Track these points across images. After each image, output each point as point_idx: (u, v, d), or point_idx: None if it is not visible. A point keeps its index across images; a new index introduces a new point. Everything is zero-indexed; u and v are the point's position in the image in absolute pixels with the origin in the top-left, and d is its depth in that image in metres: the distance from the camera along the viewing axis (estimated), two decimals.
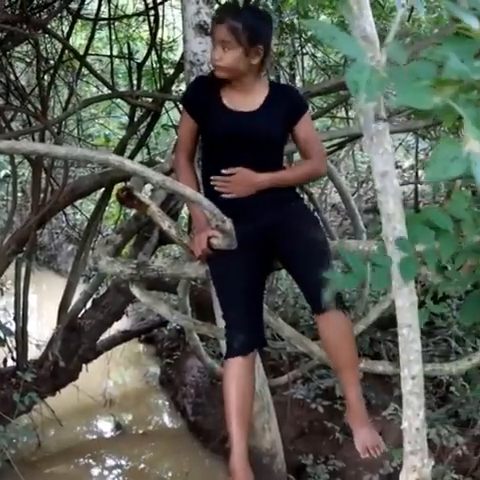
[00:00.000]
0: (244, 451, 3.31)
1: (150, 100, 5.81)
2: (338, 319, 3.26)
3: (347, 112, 7.26)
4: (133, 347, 8.68)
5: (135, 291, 3.71)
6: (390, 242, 2.10)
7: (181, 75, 6.18)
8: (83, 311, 6.30)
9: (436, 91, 1.17)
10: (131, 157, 5.93)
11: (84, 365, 6.38)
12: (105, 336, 6.90)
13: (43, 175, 6.05)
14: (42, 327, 7.55)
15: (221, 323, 4.58)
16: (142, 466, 6.28)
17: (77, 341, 6.11)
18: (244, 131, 3.37)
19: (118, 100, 7.21)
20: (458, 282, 2.67)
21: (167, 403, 7.38)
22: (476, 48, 1.38)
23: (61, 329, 5.96)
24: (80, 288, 6.49)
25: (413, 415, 2.18)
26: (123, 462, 6.33)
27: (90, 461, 6.34)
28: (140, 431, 6.82)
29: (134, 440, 6.67)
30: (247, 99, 3.41)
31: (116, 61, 6.74)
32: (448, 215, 2.02)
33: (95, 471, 6.23)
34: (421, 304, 2.14)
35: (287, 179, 3.50)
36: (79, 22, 6.81)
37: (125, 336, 7.41)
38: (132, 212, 6.60)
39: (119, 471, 6.22)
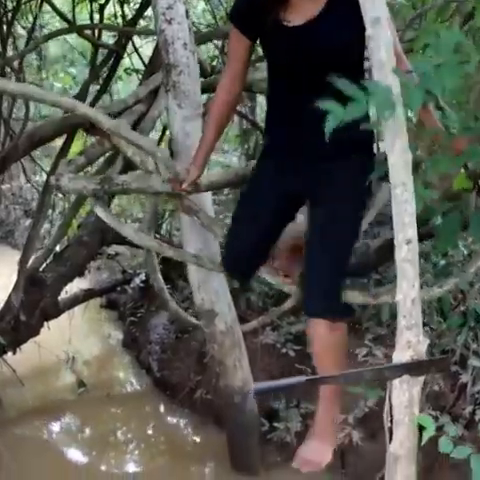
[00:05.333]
0: None
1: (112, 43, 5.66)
2: (322, 330, 2.86)
3: None
4: (95, 314, 8.52)
5: (99, 211, 3.51)
6: None
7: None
8: (44, 265, 6.14)
9: None
10: (94, 101, 5.77)
11: (46, 323, 6.24)
12: (67, 296, 6.78)
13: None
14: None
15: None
16: (107, 426, 6.16)
17: (39, 294, 5.95)
18: (303, 49, 2.76)
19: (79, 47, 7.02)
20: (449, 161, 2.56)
21: (131, 363, 7.23)
22: None
23: (21, 282, 5.77)
24: None
25: (408, 285, 2.04)
26: (87, 424, 6.17)
27: (53, 421, 6.18)
28: (104, 392, 6.63)
29: (98, 401, 6.49)
30: (305, 6, 2.76)
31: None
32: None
33: (59, 431, 6.12)
34: None
35: None
36: None
37: (87, 294, 7.23)
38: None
39: (83, 433, 6.11)
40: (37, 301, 5.93)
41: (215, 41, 6.28)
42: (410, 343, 2.08)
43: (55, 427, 6.16)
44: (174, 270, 6.54)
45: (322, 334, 2.86)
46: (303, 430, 4.87)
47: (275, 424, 4.90)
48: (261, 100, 7.53)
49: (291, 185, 2.95)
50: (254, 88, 5.79)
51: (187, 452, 5.58)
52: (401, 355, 2.10)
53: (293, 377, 2.18)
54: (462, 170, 3.38)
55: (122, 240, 6.65)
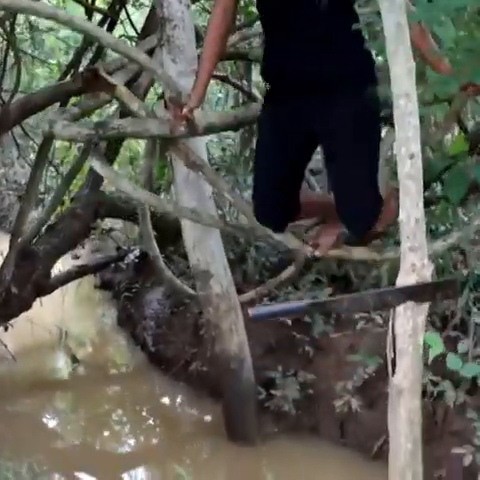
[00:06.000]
0: None
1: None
2: None
3: None
4: (89, 294, 8.47)
5: (95, 164, 3.42)
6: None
7: None
8: (37, 238, 6.04)
9: None
10: None
11: (38, 299, 6.12)
12: (61, 273, 6.71)
13: None
14: None
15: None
16: (100, 404, 6.04)
17: (31, 267, 5.83)
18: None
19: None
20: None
21: (126, 340, 7.13)
22: None
23: (13, 255, 5.65)
24: None
25: (411, 204, 1.94)
26: (80, 400, 6.06)
27: (47, 398, 6.06)
28: (99, 368, 6.57)
29: (93, 378, 6.41)
30: None
31: None
32: None
33: (53, 409, 6.06)
34: None
35: None
36: None
37: (81, 271, 7.12)
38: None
39: (77, 409, 5.99)
40: (29, 274, 5.80)
41: (210, 9, 6.16)
42: (414, 267, 1.98)
43: (49, 404, 6.07)
44: (170, 243, 6.43)
45: None
46: (301, 398, 4.77)
47: (272, 392, 4.79)
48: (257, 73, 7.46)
49: (292, 129, 3.01)
50: (250, 56, 5.71)
51: (182, 428, 5.49)
52: (405, 279, 2.00)
53: (293, 301, 2.09)
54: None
55: (117, 213, 6.57)
